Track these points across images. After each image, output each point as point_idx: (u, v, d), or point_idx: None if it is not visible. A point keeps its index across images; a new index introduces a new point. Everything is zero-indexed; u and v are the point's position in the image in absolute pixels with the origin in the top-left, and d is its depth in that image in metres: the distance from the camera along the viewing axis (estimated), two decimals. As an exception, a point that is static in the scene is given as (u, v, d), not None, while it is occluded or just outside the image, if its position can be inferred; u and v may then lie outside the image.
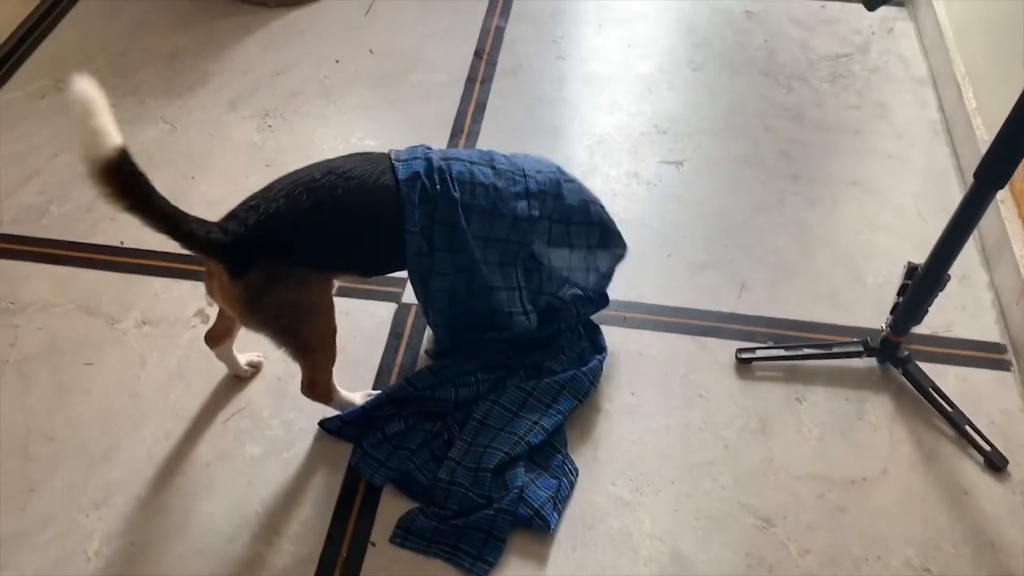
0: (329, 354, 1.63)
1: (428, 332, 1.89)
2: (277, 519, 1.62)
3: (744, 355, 1.86)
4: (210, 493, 1.65)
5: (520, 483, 1.61)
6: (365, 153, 1.61)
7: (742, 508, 1.64)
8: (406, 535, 1.59)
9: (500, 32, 2.73)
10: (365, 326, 1.93)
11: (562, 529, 1.61)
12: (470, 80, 2.55)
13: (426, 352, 1.87)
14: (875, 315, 1.92)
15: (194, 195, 2.16)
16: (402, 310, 1.96)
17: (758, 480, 1.68)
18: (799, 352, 1.85)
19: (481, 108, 2.46)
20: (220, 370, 1.82)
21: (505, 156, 1.71)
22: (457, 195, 1.59)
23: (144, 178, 1.25)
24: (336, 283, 1.61)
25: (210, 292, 1.54)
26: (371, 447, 1.68)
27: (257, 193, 1.49)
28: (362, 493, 1.66)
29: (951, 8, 2.56)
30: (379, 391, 1.76)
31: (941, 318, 1.94)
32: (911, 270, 1.64)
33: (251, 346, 1.78)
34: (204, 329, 1.77)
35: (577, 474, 1.68)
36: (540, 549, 1.58)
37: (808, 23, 2.77)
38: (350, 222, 1.52)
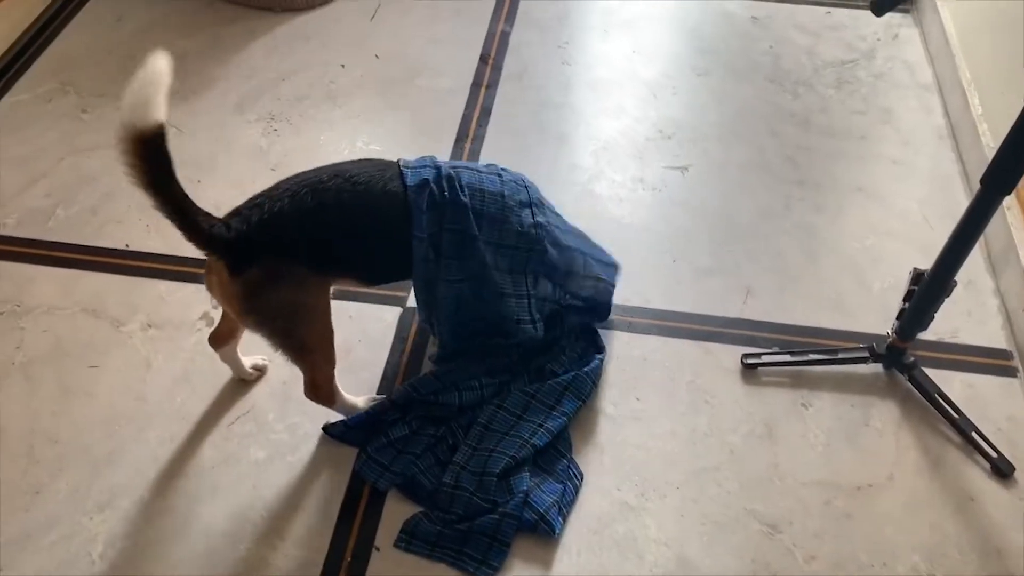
0: (326, 357, 1.62)
1: (432, 337, 1.89)
2: (281, 523, 1.62)
3: (750, 360, 1.86)
4: (214, 497, 1.65)
5: (525, 487, 1.61)
6: (374, 159, 1.61)
7: (748, 514, 1.64)
8: (410, 539, 1.59)
9: (505, 37, 2.73)
10: (371, 329, 1.93)
11: (567, 534, 1.61)
12: (475, 85, 2.55)
13: (430, 357, 1.87)
14: (881, 321, 1.91)
15: (200, 198, 2.11)
16: (407, 314, 1.96)
17: (764, 486, 1.68)
18: (805, 358, 1.85)
19: (487, 113, 2.46)
20: (225, 373, 1.82)
21: (501, 168, 1.72)
22: (467, 201, 1.60)
23: (170, 159, 1.26)
24: (333, 288, 1.61)
25: (209, 288, 1.54)
26: (375, 451, 1.68)
27: (263, 192, 1.49)
28: (366, 497, 1.65)
29: (956, 14, 2.56)
30: (383, 396, 1.77)
31: (947, 324, 1.93)
32: (917, 276, 1.64)
33: (255, 349, 1.78)
34: (209, 332, 1.77)
35: (582, 479, 1.68)
36: (545, 554, 1.58)
37: (814, 29, 2.77)
38: (354, 225, 1.52)
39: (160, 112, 1.21)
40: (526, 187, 1.70)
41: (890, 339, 1.77)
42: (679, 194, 2.25)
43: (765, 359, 1.86)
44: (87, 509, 1.63)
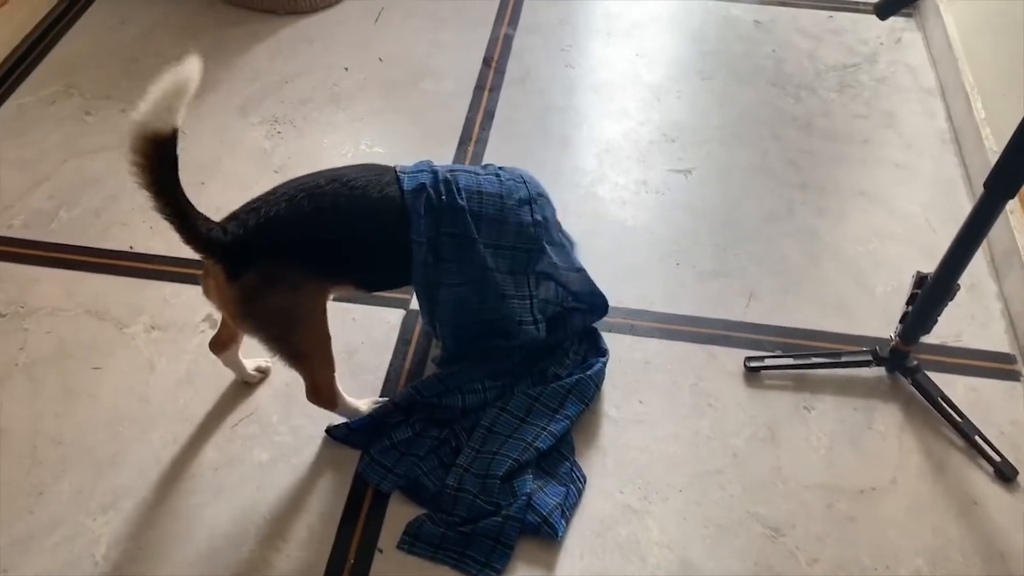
0: (324, 360, 1.62)
1: (435, 339, 1.89)
2: (284, 525, 1.62)
3: (753, 363, 1.86)
4: (218, 498, 1.65)
5: (528, 490, 1.61)
6: (371, 164, 1.61)
7: (751, 517, 1.64)
8: (413, 541, 1.59)
9: (509, 41, 2.73)
10: (374, 332, 1.93)
11: (570, 536, 1.61)
12: (478, 88, 2.56)
13: (432, 360, 1.87)
14: (884, 324, 1.92)
15: (204, 200, 2.12)
16: (411, 316, 1.96)
17: (767, 489, 1.68)
18: (808, 361, 1.85)
19: (490, 116, 2.46)
20: (228, 375, 1.82)
21: (499, 167, 1.72)
22: (464, 204, 1.60)
23: (177, 163, 1.27)
24: (331, 295, 1.60)
25: (206, 292, 1.53)
26: (378, 454, 1.68)
27: (260, 196, 1.49)
28: (369, 499, 1.65)
29: (959, 18, 2.57)
30: (386, 398, 1.77)
31: (950, 328, 1.93)
32: (920, 279, 1.64)
33: (258, 352, 1.77)
34: (212, 334, 1.77)
35: (585, 481, 1.68)
36: (548, 556, 1.58)
37: (816, 33, 2.77)
38: (351, 230, 1.52)
39: (177, 118, 1.21)
40: (524, 183, 1.69)
41: (893, 342, 1.77)
42: (682, 197, 2.25)
43: (768, 362, 1.86)
44: (90, 510, 1.63)
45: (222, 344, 1.73)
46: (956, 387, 1.83)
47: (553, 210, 1.75)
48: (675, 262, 2.09)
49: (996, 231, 2.06)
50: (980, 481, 1.69)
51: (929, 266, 1.61)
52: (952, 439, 1.75)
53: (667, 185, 2.28)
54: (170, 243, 2.07)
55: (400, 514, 1.63)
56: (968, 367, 1.88)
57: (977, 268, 2.07)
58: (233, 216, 1.46)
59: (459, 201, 1.59)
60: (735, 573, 1.56)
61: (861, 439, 1.75)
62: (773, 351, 1.89)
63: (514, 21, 2.81)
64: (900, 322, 1.72)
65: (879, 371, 1.85)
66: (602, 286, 1.83)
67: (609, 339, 1.89)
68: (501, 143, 2.38)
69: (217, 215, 1.46)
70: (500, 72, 2.62)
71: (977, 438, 1.72)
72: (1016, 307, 1.96)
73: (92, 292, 2.00)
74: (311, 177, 1.52)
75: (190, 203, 1.34)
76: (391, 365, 1.87)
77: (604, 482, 1.69)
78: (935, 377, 1.80)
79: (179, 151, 1.26)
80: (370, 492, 1.66)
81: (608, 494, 1.67)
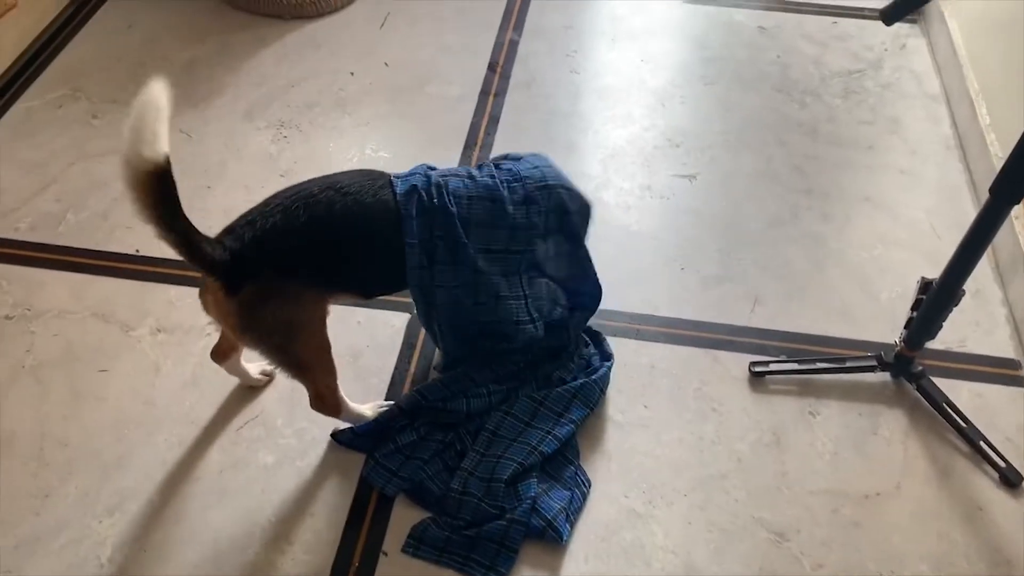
0: (325, 369, 1.61)
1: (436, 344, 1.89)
2: (289, 527, 1.62)
3: (758, 368, 1.86)
4: (223, 501, 1.65)
5: (533, 494, 1.61)
6: (365, 169, 1.61)
7: (756, 522, 1.64)
8: (418, 545, 1.59)
9: (514, 46, 2.74)
10: (379, 336, 1.93)
11: (574, 540, 1.61)
12: (484, 93, 2.57)
13: (434, 367, 1.87)
14: (889, 330, 1.92)
15: (210, 204, 2.17)
16: (415, 320, 1.96)
17: (772, 494, 1.68)
18: (813, 366, 1.85)
19: (495, 121, 2.47)
20: (234, 379, 1.82)
21: (511, 163, 1.71)
22: (454, 209, 1.60)
23: (176, 191, 1.23)
24: (330, 304, 1.59)
25: (205, 307, 1.53)
26: (383, 457, 1.69)
27: (255, 208, 1.48)
28: (374, 502, 1.66)
29: (964, 24, 2.57)
30: (390, 403, 1.77)
31: (955, 333, 1.93)
32: (925, 285, 1.64)
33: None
34: (217, 339, 1.77)
35: (590, 486, 1.68)
36: (552, 560, 1.58)
37: (821, 39, 2.78)
38: (347, 237, 1.52)
39: (164, 144, 1.17)
40: (522, 181, 1.67)
41: (898, 348, 1.77)
42: (687, 202, 2.25)
43: (773, 367, 1.86)
44: (96, 513, 1.63)
45: (223, 354, 1.73)
46: (961, 392, 1.83)
47: (582, 202, 1.73)
48: (680, 267, 2.09)
49: (1001, 237, 2.06)
50: (985, 487, 1.69)
51: (934, 272, 1.62)
52: (957, 444, 1.75)
53: (672, 190, 2.29)
54: (176, 246, 2.09)
55: (405, 517, 1.63)
56: (973, 372, 1.88)
57: (982, 274, 2.07)
58: (229, 230, 1.45)
59: (450, 206, 1.60)
60: (740, 578, 1.57)
61: (866, 444, 1.75)
62: (778, 356, 1.90)
63: (519, 26, 2.82)
64: (905, 328, 1.72)
65: (884, 376, 1.85)
66: (607, 290, 1.83)
67: (614, 343, 1.90)
68: (506, 148, 2.38)
69: (225, 217, 1.47)
70: (505, 77, 2.63)
71: (982, 443, 1.72)
72: (1021, 313, 1.95)
73: (99, 295, 2.01)
74: (305, 185, 1.52)
75: (194, 228, 1.31)
76: (396, 369, 1.88)
77: (609, 486, 1.69)
78: (940, 383, 1.80)
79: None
80: (375, 495, 1.66)
81: (613, 498, 1.67)
